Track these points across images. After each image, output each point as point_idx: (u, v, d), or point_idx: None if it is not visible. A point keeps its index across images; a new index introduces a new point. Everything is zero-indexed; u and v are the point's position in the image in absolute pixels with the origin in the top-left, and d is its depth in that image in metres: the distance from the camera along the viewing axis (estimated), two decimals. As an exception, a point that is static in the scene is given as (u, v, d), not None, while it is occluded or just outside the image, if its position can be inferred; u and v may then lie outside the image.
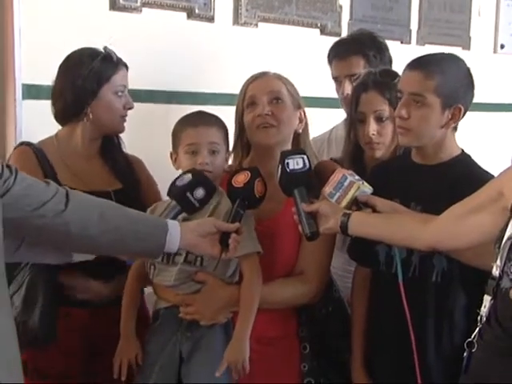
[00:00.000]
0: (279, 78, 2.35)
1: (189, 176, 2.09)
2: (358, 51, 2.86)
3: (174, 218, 2.05)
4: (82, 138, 2.42)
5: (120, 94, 2.40)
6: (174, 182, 2.12)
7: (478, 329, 1.78)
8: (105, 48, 2.42)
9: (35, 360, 2.24)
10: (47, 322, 2.23)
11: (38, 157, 2.36)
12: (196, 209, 2.10)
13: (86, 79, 2.36)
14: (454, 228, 1.86)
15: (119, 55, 2.45)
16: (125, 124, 2.45)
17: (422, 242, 1.93)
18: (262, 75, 2.35)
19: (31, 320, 2.20)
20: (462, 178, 2.08)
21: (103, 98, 2.37)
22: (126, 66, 2.44)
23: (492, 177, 1.97)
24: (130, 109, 2.42)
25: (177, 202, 2.08)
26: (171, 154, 2.29)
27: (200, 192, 2.08)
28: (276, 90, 2.30)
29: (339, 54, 2.91)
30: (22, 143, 2.44)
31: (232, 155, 2.38)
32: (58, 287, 2.29)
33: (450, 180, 2.10)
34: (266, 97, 2.28)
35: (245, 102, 2.32)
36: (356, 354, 2.28)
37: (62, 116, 2.42)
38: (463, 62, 2.16)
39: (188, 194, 2.07)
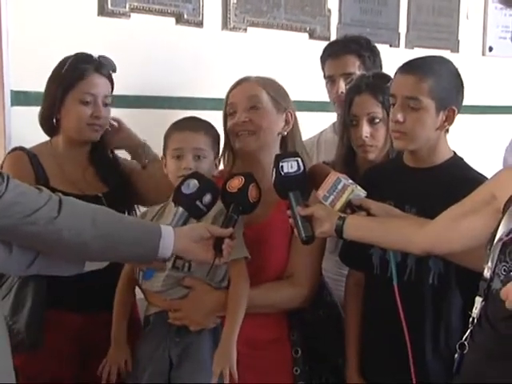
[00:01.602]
0: (259, 82, 2.33)
1: (195, 183, 2.07)
2: (354, 51, 2.87)
3: (184, 224, 2.04)
4: (65, 145, 2.43)
5: (87, 101, 2.37)
6: (179, 189, 2.09)
7: (469, 330, 1.78)
8: (77, 54, 2.41)
9: (27, 365, 2.22)
10: (34, 327, 2.24)
11: (32, 161, 2.38)
12: (204, 214, 2.09)
13: (54, 87, 2.39)
14: (448, 232, 1.86)
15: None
16: (96, 133, 2.42)
17: (416, 246, 1.93)
18: (242, 81, 2.34)
19: (18, 324, 2.20)
20: (456, 180, 2.09)
21: (68, 106, 2.38)
22: (103, 73, 2.41)
23: (485, 179, 1.98)
24: (96, 117, 2.38)
25: (186, 210, 2.06)
26: (162, 158, 2.29)
27: (208, 197, 2.07)
28: (254, 95, 2.29)
29: (335, 52, 2.91)
30: (16, 148, 2.45)
31: (222, 161, 2.38)
32: (47, 292, 2.28)
33: (444, 182, 2.10)
34: (243, 104, 2.28)
35: (227, 109, 2.32)
36: (351, 359, 2.28)
37: (41, 126, 2.45)
38: (452, 63, 2.17)
39: (198, 203, 2.06)
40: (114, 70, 2.45)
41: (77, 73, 2.37)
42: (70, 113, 2.38)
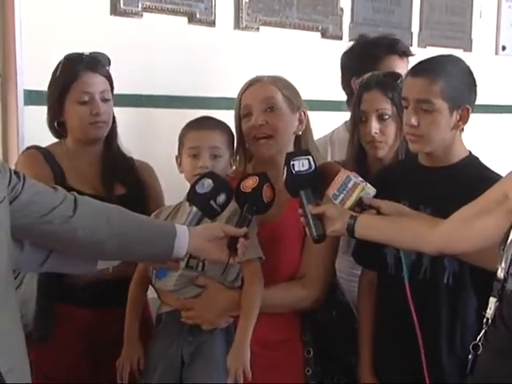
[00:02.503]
0: (273, 82, 2.31)
1: (209, 182, 2.07)
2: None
3: (197, 224, 2.04)
4: (75, 145, 2.44)
5: (84, 101, 2.36)
6: (193, 189, 2.09)
7: (483, 331, 1.77)
8: (67, 55, 2.41)
9: (39, 361, 2.21)
10: (42, 320, 2.25)
11: (47, 158, 2.39)
12: (218, 214, 2.09)
13: (51, 92, 2.41)
14: (461, 232, 1.84)
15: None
16: (101, 130, 2.41)
17: (429, 245, 1.92)
18: (256, 82, 2.33)
19: (26, 317, 2.20)
20: (472, 179, 2.07)
21: (68, 108, 2.38)
22: (96, 70, 2.39)
23: (500, 178, 1.95)
24: (96, 114, 2.37)
25: (200, 209, 2.07)
26: (176, 158, 2.29)
27: (222, 197, 2.07)
28: (269, 97, 2.27)
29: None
30: (30, 147, 2.46)
31: (234, 161, 2.38)
32: (59, 287, 2.29)
33: (459, 182, 2.09)
34: (259, 106, 2.26)
35: (241, 111, 2.31)
36: (364, 358, 2.27)
37: (49, 129, 2.45)
38: (463, 62, 2.16)
39: (212, 202, 2.06)
40: (109, 64, 2.44)
41: (69, 75, 2.37)
42: (71, 114, 2.39)
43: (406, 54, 2.95)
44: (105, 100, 2.40)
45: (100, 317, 2.36)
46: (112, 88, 2.45)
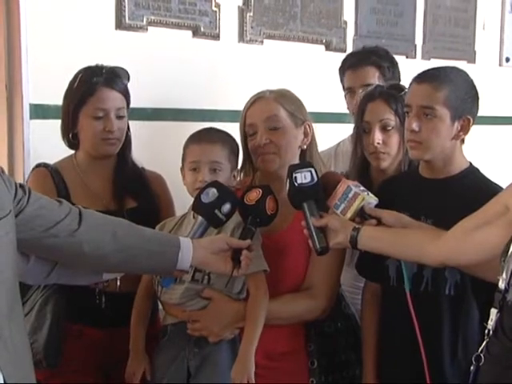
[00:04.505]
0: (276, 98, 2.31)
1: (214, 192, 2.09)
2: (373, 62, 2.88)
3: (203, 234, 2.06)
4: (86, 159, 2.44)
5: (99, 116, 2.36)
6: (198, 198, 2.10)
7: (485, 342, 1.77)
8: (87, 67, 2.41)
9: (49, 379, 2.24)
10: (52, 347, 2.25)
11: (54, 178, 2.39)
12: (223, 223, 2.11)
13: (67, 103, 2.40)
14: (463, 244, 1.85)
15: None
16: (113, 146, 2.41)
17: (431, 258, 1.93)
18: (259, 98, 2.33)
19: (37, 343, 2.21)
20: (472, 191, 2.08)
21: (82, 121, 2.38)
22: (114, 87, 2.39)
23: (501, 189, 1.96)
24: (109, 131, 2.37)
25: (205, 218, 2.08)
26: (181, 169, 2.30)
27: (227, 207, 2.08)
28: (273, 115, 2.28)
29: (354, 64, 2.91)
30: (39, 164, 2.45)
31: (241, 174, 2.39)
32: (69, 307, 2.30)
33: (460, 193, 2.10)
34: (263, 125, 2.27)
35: (245, 128, 2.32)
36: (368, 369, 2.28)
37: (63, 140, 2.45)
38: (467, 73, 2.17)
39: (216, 211, 2.07)
40: (128, 79, 2.44)
41: (87, 88, 2.36)
42: (84, 128, 2.38)
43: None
44: (119, 117, 2.39)
45: (110, 336, 2.36)
46: (128, 104, 2.45)
